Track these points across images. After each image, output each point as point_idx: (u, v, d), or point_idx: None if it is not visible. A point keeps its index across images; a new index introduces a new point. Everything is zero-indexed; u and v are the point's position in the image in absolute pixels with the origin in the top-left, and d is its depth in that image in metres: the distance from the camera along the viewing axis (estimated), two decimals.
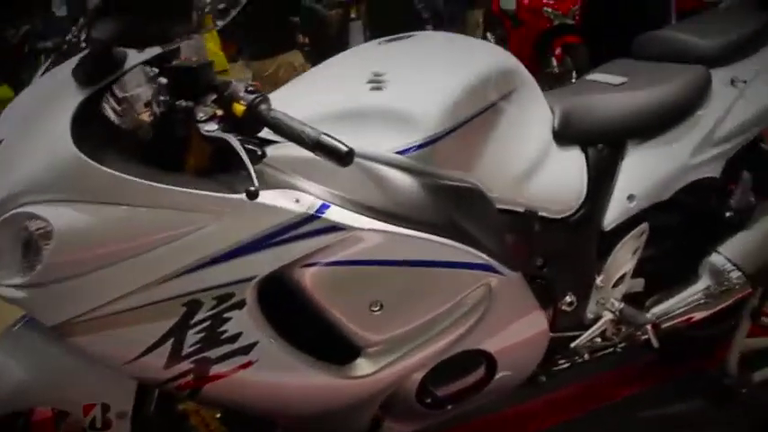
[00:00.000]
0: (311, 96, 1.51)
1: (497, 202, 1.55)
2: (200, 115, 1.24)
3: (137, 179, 1.19)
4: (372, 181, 1.38)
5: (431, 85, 1.46)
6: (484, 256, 1.46)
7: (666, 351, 2.12)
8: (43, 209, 1.18)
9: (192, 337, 1.28)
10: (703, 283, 1.81)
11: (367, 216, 1.34)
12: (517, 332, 1.58)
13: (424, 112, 1.42)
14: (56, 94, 1.22)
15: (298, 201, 1.29)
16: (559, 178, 1.65)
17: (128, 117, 1.24)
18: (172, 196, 1.21)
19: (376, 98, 1.42)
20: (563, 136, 1.65)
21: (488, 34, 5.57)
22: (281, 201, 1.27)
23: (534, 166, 1.60)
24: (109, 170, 1.18)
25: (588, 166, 1.68)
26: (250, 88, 1.25)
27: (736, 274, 1.80)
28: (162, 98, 1.25)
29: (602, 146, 1.70)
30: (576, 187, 1.66)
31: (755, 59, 1.86)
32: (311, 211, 1.28)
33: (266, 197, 1.25)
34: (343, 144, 1.19)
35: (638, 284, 1.84)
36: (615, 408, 2.04)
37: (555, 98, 1.72)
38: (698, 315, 1.82)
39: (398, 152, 1.40)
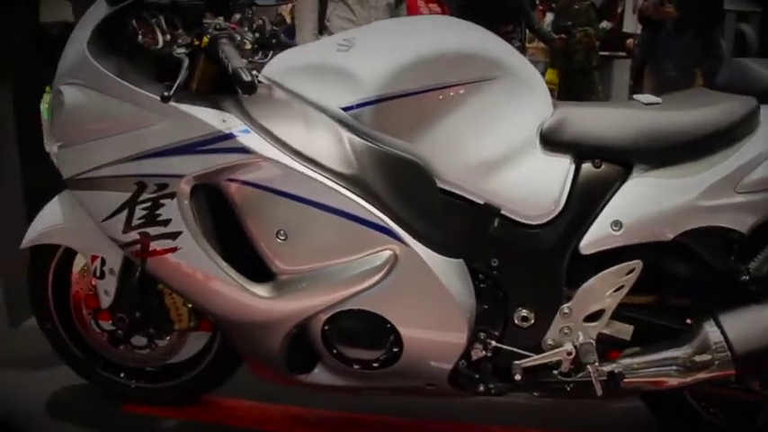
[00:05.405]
0: (319, 48, 1.76)
1: (446, 183, 1.57)
2: (179, 41, 1.57)
3: (109, 73, 1.57)
4: (303, 124, 1.55)
5: (383, 53, 1.56)
6: (387, 220, 1.51)
7: None
8: (65, 87, 1.64)
9: (140, 212, 1.62)
10: (688, 348, 1.52)
11: (280, 150, 1.52)
12: (427, 316, 1.57)
13: (366, 74, 1.54)
14: (92, 11, 1.66)
15: (224, 121, 1.53)
16: (534, 183, 1.57)
17: (148, 39, 1.63)
18: (124, 90, 1.56)
19: (337, 58, 1.58)
20: (550, 141, 1.57)
21: None
22: (209, 117, 1.53)
23: (503, 162, 1.57)
24: (96, 64, 1.57)
25: (575, 178, 1.57)
26: (223, 25, 1.58)
27: (723, 353, 1.48)
28: (164, 28, 1.61)
29: (600, 161, 1.57)
30: (551, 197, 1.56)
31: None
32: (227, 131, 1.52)
33: (198, 112, 1.54)
34: (247, 77, 1.44)
35: (626, 331, 1.61)
36: None
37: (570, 107, 1.63)
38: (671, 381, 1.53)
39: (343, 108, 1.55)
